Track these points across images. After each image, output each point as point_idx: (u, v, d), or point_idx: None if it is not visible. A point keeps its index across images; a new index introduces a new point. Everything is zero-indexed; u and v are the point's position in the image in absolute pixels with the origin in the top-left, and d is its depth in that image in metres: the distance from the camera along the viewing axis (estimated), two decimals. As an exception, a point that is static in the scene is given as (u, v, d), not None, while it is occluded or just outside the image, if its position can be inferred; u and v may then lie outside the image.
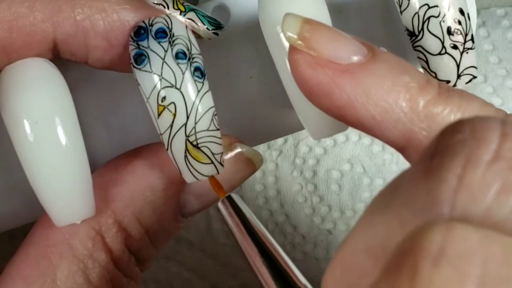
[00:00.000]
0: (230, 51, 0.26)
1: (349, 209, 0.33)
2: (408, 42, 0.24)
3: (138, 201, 0.23)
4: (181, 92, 0.21)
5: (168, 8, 0.23)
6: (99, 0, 0.22)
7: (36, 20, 0.21)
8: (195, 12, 0.23)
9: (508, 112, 0.19)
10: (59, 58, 0.23)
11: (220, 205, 0.22)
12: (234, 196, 0.22)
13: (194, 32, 0.23)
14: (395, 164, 0.33)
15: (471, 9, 0.25)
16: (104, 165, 0.24)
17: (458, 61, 0.23)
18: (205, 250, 0.33)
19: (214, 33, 0.24)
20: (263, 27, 0.22)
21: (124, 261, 0.23)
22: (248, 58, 0.26)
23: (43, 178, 0.21)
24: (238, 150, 0.24)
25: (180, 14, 0.23)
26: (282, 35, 0.21)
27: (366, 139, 0.33)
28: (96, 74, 0.26)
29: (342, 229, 0.33)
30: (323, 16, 0.22)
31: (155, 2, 0.23)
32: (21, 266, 0.22)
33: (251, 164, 0.25)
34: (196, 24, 0.23)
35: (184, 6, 0.23)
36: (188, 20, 0.23)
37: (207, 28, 0.23)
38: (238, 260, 0.33)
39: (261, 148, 0.33)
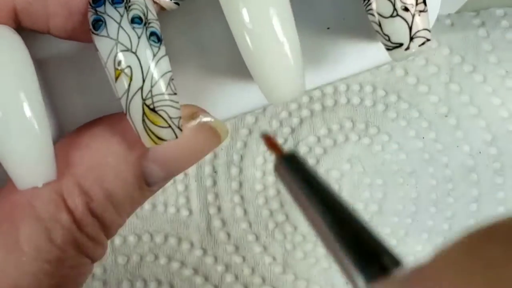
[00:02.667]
0: (199, 22, 0.26)
1: (349, 209, 0.33)
2: None
3: (99, 166, 0.23)
4: (136, 55, 0.21)
5: None
6: None
7: None
8: None
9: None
10: (23, 29, 0.23)
11: (276, 165, 0.20)
12: (291, 153, 0.20)
13: (156, 3, 0.23)
14: (395, 164, 0.33)
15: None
16: (68, 133, 0.25)
17: (410, 24, 0.23)
18: (205, 250, 0.33)
19: (175, 2, 0.24)
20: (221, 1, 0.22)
21: (87, 224, 0.23)
22: (217, 30, 0.26)
23: (3, 140, 0.21)
24: (202, 119, 0.25)
25: None
26: (240, 8, 0.21)
27: (366, 139, 0.33)
28: (65, 49, 0.26)
29: (342, 229, 0.33)
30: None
31: None
32: None
33: (216, 135, 0.25)
34: None
35: None
36: None
37: None
38: (239, 259, 0.33)
39: (261, 148, 0.33)
